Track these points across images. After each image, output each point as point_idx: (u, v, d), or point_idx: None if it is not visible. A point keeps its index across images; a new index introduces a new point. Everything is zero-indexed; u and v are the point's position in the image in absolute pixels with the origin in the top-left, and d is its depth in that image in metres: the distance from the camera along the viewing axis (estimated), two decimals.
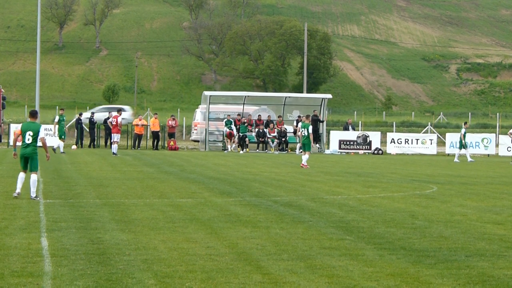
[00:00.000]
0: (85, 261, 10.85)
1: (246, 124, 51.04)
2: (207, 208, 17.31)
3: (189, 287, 9.50)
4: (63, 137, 43.43)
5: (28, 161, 18.67)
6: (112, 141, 42.78)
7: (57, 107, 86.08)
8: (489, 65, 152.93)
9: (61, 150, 42.24)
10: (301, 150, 34.27)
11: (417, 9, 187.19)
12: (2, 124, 56.64)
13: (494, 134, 57.02)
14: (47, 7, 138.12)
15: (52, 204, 17.69)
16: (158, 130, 52.33)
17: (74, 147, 50.27)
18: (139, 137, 51.86)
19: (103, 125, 53.19)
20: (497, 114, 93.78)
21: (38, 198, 18.54)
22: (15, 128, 51.23)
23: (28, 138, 18.60)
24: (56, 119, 44.05)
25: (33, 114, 19.07)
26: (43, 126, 19.04)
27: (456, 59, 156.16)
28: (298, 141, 49.95)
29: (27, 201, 18.16)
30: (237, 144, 50.79)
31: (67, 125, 59.94)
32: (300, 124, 46.44)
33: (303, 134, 33.45)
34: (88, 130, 53.53)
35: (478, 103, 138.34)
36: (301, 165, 33.25)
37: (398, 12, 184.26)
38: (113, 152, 40.97)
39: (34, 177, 18.50)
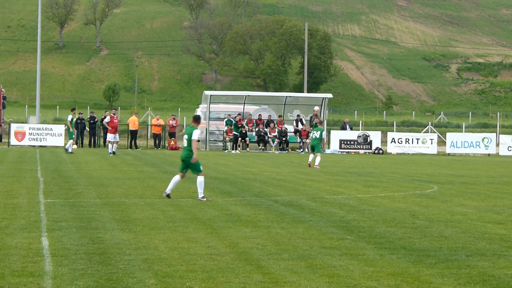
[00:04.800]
0: (86, 261, 10.85)
1: (237, 123, 50.73)
2: (208, 208, 17.31)
3: (189, 286, 9.50)
4: (73, 136, 43.43)
5: (185, 164, 18.92)
6: (108, 141, 42.62)
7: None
8: (490, 65, 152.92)
9: (69, 149, 42.13)
10: (307, 151, 35.22)
11: (417, 9, 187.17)
12: (3, 124, 56.62)
13: (495, 134, 56.99)
14: (48, 7, 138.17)
15: (52, 203, 17.68)
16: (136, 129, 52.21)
17: (74, 146, 50.27)
18: (158, 136, 52.17)
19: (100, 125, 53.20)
20: (498, 113, 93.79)
21: (205, 199, 18.66)
22: (15, 127, 51.28)
23: (185, 142, 18.94)
24: (69, 118, 44.10)
25: (195, 119, 19.21)
26: (197, 131, 18.91)
27: (457, 58, 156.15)
28: (303, 141, 50.14)
29: (27, 201, 18.16)
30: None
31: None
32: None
33: (315, 137, 34.07)
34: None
35: (478, 102, 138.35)
36: (312, 165, 33.67)
37: (398, 11, 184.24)
38: (109, 152, 41.02)
39: (199, 178, 18.77)
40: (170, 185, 19.09)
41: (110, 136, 42.13)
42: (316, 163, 33.56)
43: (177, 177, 19.05)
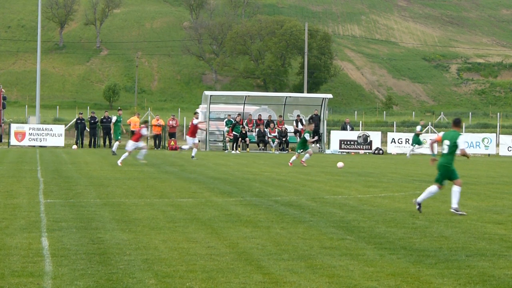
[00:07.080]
0: (86, 261, 10.85)
1: (237, 123, 50.76)
2: (208, 208, 17.30)
3: (189, 287, 9.50)
4: (119, 138, 43.01)
5: (442, 172, 17.24)
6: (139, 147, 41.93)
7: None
8: (490, 65, 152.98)
9: (114, 150, 41.19)
10: (300, 151, 35.91)
11: (417, 9, 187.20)
12: (3, 124, 56.62)
13: (495, 134, 57.01)
14: (48, 7, 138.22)
15: (52, 204, 17.67)
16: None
17: (74, 147, 50.29)
18: (158, 137, 52.19)
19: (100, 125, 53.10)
20: (498, 114, 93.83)
21: (459, 213, 17.08)
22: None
23: (446, 148, 17.23)
24: (114, 119, 43.62)
25: (456, 123, 17.42)
26: (462, 137, 17.12)
27: (457, 59, 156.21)
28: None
29: (27, 201, 18.15)
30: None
31: (68, 125, 59.97)
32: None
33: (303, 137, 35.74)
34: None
35: (478, 102, 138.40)
36: (295, 163, 34.91)
37: (398, 12, 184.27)
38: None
39: (454, 188, 17.24)
40: (422, 195, 17.52)
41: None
42: (304, 159, 34.95)
43: (434, 188, 17.43)
